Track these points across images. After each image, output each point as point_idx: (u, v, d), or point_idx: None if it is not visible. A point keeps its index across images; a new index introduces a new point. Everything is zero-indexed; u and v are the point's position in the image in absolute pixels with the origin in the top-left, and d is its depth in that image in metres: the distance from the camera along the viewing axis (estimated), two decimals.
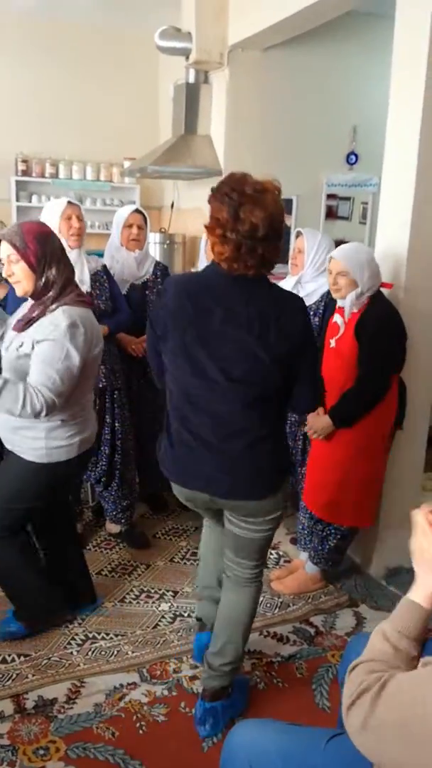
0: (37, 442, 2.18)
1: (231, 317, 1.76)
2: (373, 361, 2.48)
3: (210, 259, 3.17)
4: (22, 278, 2.09)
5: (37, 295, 2.12)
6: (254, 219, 1.68)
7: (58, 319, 2.06)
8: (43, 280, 2.09)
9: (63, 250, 2.17)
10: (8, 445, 2.25)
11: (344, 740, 1.28)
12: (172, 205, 4.71)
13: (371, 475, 2.66)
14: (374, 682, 1.02)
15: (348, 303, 2.56)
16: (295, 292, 2.92)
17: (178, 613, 2.66)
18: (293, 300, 1.88)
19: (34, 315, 2.10)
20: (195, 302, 1.79)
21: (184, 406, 1.85)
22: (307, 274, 2.91)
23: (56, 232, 2.79)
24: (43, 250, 2.08)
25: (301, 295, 2.91)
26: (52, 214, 2.84)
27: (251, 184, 1.72)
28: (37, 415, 2.01)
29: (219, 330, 1.76)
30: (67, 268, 2.16)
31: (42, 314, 2.09)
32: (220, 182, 1.77)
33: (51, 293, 2.10)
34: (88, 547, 3.15)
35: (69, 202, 2.87)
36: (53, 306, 2.09)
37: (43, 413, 2.02)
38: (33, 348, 2.06)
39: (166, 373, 1.91)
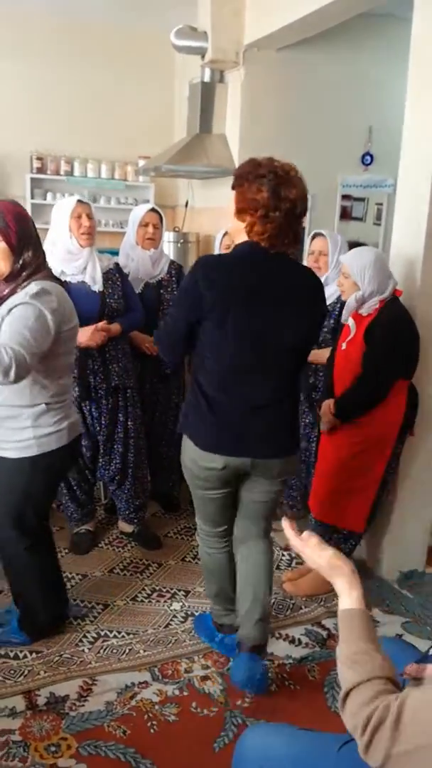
0: (24, 433, 2.10)
1: (279, 292, 1.92)
2: (373, 361, 2.48)
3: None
4: (0, 260, 2.01)
5: (10, 277, 2.03)
6: (292, 196, 1.83)
7: (29, 287, 2.00)
8: (20, 262, 2.02)
9: (38, 233, 2.11)
10: None
11: (356, 746, 1.28)
12: (186, 204, 4.71)
13: (367, 479, 2.64)
14: (384, 712, 0.98)
15: (348, 304, 2.56)
16: None
17: (189, 612, 2.66)
18: (312, 271, 2.11)
19: (4, 294, 2.02)
20: (245, 280, 1.90)
21: (235, 378, 1.97)
22: (330, 276, 2.92)
23: (66, 230, 2.80)
24: (23, 230, 2.02)
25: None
26: (62, 212, 2.82)
27: (279, 166, 1.86)
28: (6, 372, 1.81)
29: (272, 304, 1.91)
30: (41, 253, 2.11)
31: (12, 292, 2.01)
32: (249, 166, 1.88)
33: (24, 274, 2.03)
34: (100, 545, 3.17)
35: (79, 201, 2.84)
36: (24, 283, 2.02)
37: (13, 370, 1.82)
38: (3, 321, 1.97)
39: (206, 352, 1.97)
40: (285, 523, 1.33)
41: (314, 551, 1.25)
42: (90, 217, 2.83)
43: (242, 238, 1.94)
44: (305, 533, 1.30)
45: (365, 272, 2.48)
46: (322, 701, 2.21)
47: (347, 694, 1.06)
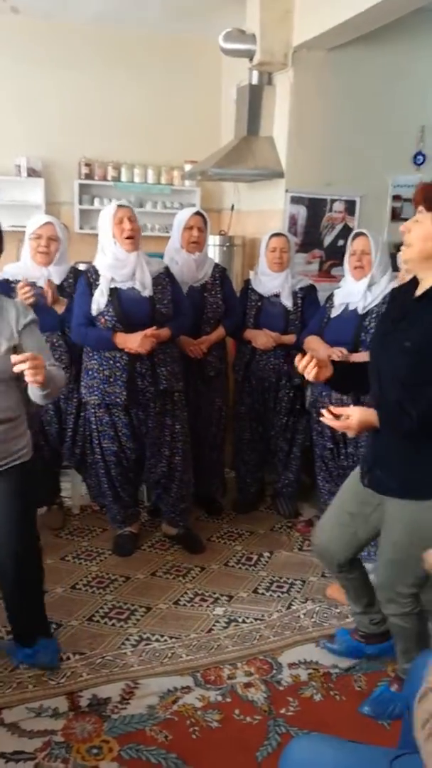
0: (24, 439, 2.16)
1: None
2: None
3: (274, 261, 3.14)
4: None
5: None
6: None
7: (15, 304, 2.11)
8: None
9: None
10: (4, 461, 2.10)
11: (408, 761, 1.22)
12: (232, 208, 4.69)
13: None
14: None
15: None
16: (368, 295, 2.87)
17: (232, 618, 2.63)
18: None
19: None
20: None
21: None
22: (375, 275, 2.86)
23: (111, 237, 2.79)
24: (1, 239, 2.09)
25: (369, 298, 2.88)
26: (105, 219, 2.83)
27: None
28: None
29: None
30: None
31: None
32: None
33: None
34: (143, 548, 3.16)
35: (119, 205, 2.84)
36: None
37: None
38: (17, 339, 2.03)
39: None
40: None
41: None
42: (132, 219, 2.81)
43: None
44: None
45: None
46: None
47: (425, 694, 1.06)
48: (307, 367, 1.91)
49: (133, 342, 2.78)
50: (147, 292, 2.85)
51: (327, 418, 1.86)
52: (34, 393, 2.03)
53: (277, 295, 3.38)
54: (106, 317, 2.81)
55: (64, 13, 4.27)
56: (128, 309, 2.83)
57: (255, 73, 3.94)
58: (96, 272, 2.86)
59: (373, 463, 1.98)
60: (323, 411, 1.88)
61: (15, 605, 2.27)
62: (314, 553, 2.32)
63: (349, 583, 2.27)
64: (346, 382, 2.10)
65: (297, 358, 1.94)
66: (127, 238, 2.79)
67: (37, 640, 2.29)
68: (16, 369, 1.83)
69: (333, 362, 2.03)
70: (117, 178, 4.72)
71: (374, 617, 2.30)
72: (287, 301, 3.35)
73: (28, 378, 1.85)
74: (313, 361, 1.91)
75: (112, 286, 2.83)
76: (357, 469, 2.12)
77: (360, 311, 2.91)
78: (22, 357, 1.83)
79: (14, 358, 1.83)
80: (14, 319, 2.05)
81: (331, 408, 1.87)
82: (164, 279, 2.95)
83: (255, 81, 3.95)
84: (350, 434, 1.88)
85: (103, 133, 4.65)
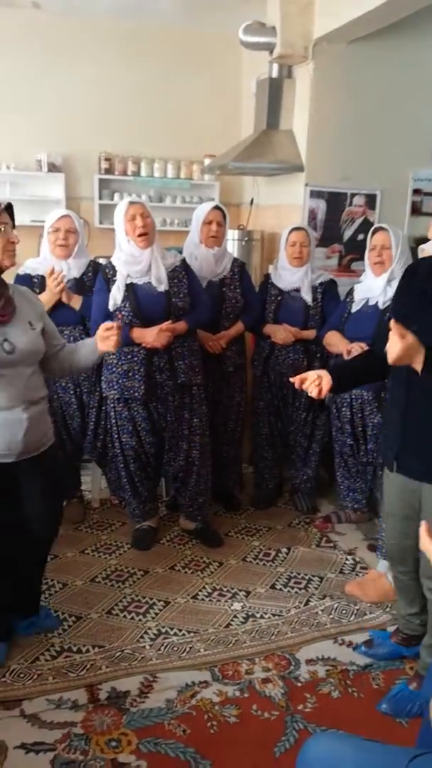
0: (49, 419, 2.26)
1: None
2: None
3: (293, 256, 3.12)
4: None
5: None
6: None
7: (24, 290, 2.23)
8: None
9: None
10: (40, 444, 2.17)
11: (427, 761, 1.22)
12: (252, 202, 4.67)
13: None
14: None
15: None
16: (388, 290, 2.84)
17: (250, 613, 2.63)
18: None
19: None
20: None
21: None
22: (396, 270, 2.84)
23: (124, 234, 2.81)
24: None
25: (389, 293, 2.85)
26: (118, 216, 2.84)
27: None
28: None
29: None
30: None
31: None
32: None
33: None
34: (161, 542, 3.18)
35: (131, 202, 2.83)
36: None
37: None
38: (42, 322, 2.18)
39: None
40: (423, 527, 1.28)
41: None
42: (144, 216, 2.79)
43: None
44: None
45: None
46: None
47: None
48: (308, 389, 1.98)
49: (150, 336, 2.79)
50: (162, 287, 2.86)
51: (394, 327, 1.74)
52: (90, 358, 2.31)
53: (297, 290, 3.36)
54: (123, 312, 2.83)
55: (82, 6, 4.27)
56: (144, 304, 2.84)
57: (275, 66, 3.91)
58: (113, 268, 2.88)
59: (402, 447, 1.98)
60: (391, 321, 1.76)
61: (29, 579, 2.40)
62: (394, 562, 2.24)
63: (414, 583, 2.21)
64: (348, 383, 2.11)
65: (296, 385, 2.02)
66: (140, 235, 2.79)
67: (37, 608, 2.47)
68: (108, 335, 2.21)
69: (330, 370, 2.03)
70: (137, 173, 4.73)
71: (424, 618, 2.26)
72: (307, 296, 3.34)
73: (113, 347, 2.22)
74: (308, 381, 1.99)
75: (128, 281, 2.85)
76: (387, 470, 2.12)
77: (380, 306, 2.89)
78: (115, 324, 2.22)
79: (104, 325, 2.23)
80: (36, 304, 2.24)
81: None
82: (180, 272, 2.94)
83: (275, 74, 3.93)
84: (392, 355, 1.75)
85: (123, 127, 4.64)
